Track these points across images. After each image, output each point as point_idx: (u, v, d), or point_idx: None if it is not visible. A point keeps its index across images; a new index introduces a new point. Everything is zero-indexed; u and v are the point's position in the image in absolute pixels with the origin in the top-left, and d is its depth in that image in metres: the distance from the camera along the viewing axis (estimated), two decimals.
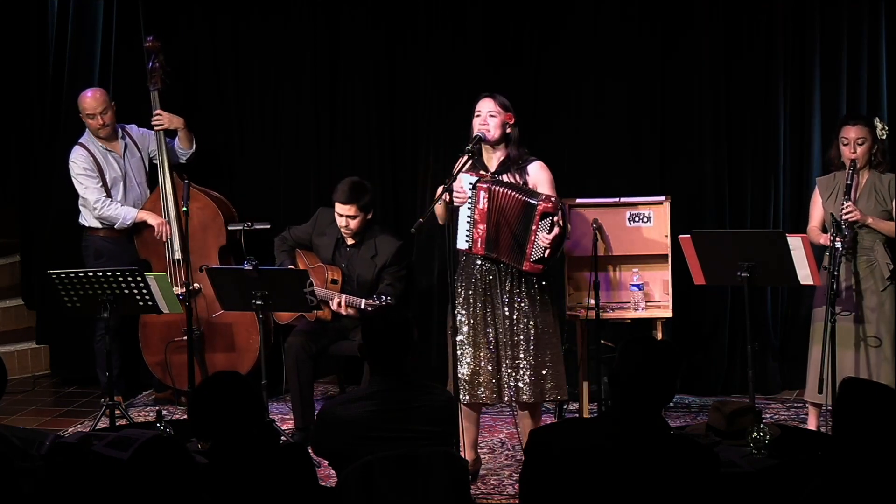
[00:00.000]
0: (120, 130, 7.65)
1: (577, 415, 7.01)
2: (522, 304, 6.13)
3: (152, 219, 7.52)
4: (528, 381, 6.13)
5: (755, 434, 4.96)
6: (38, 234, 8.32)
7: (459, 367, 6.15)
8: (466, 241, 6.08)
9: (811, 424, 6.62)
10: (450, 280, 6.01)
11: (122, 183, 7.60)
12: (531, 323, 6.13)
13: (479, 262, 6.17)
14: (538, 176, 6.17)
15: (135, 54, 7.94)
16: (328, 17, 7.92)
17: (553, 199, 6.02)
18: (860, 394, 3.87)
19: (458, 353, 6.14)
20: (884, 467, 3.71)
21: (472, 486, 6.04)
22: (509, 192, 6.05)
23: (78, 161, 7.54)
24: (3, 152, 8.80)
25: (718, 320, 7.65)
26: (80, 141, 7.60)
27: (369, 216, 7.02)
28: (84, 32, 8.04)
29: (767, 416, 7.03)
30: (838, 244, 6.26)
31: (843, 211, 6.35)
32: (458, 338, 6.13)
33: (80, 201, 7.60)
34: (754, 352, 6.37)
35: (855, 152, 6.45)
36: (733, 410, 5.14)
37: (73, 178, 7.57)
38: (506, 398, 6.21)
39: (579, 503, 3.93)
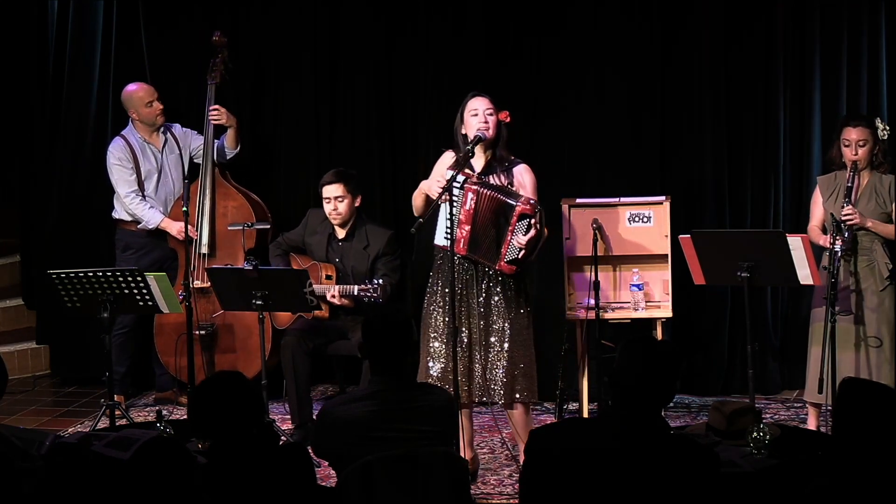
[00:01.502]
0: (162, 126, 7.69)
1: (577, 415, 7.01)
2: (498, 304, 6.14)
3: (173, 229, 7.54)
4: (500, 381, 6.14)
5: (755, 434, 4.96)
6: (38, 234, 8.32)
7: (431, 365, 6.16)
8: (446, 239, 6.01)
9: (811, 424, 6.62)
10: (449, 280, 6.01)
11: (156, 176, 7.65)
12: (506, 324, 6.14)
13: (456, 260, 6.16)
14: (523, 178, 6.19)
15: (135, 54, 7.94)
16: (328, 13, 7.92)
17: (532, 201, 6.01)
18: (860, 394, 3.87)
19: (430, 351, 6.15)
20: (884, 467, 3.71)
21: (471, 486, 6.04)
22: (494, 194, 6.04)
23: (114, 151, 7.62)
24: (3, 152, 8.81)
25: (718, 320, 7.65)
26: (122, 133, 7.67)
27: (357, 203, 7.06)
28: (84, 32, 8.05)
29: (767, 416, 7.03)
30: (838, 245, 6.26)
31: (844, 215, 6.34)
32: (431, 334, 6.16)
33: (115, 195, 7.64)
34: (754, 352, 6.37)
35: (857, 154, 6.44)
36: (733, 410, 5.13)
37: (107, 169, 7.62)
38: (476, 398, 6.21)
39: (580, 503, 3.93)
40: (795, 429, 6.17)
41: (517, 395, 6.19)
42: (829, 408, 6.12)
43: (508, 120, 6.18)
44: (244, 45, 8.05)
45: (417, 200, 6.22)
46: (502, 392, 6.16)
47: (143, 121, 7.62)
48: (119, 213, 7.69)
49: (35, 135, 8.30)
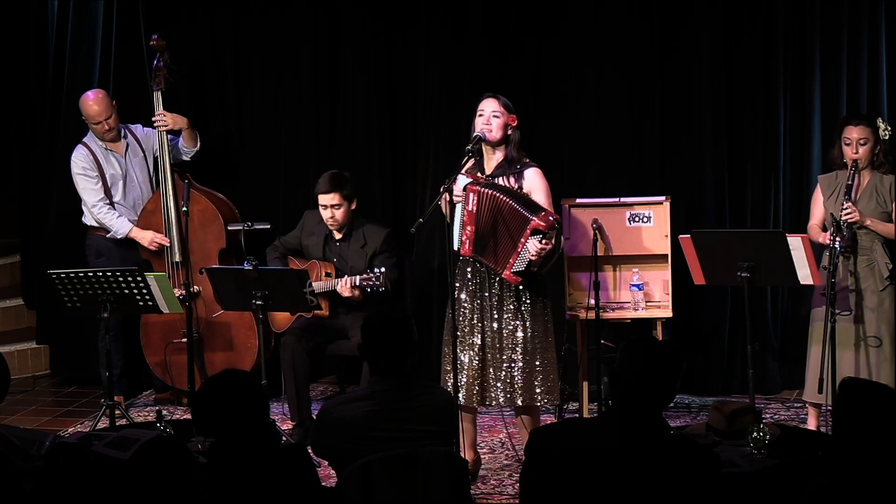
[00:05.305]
0: (123, 130, 7.64)
1: (577, 415, 7.01)
2: (511, 308, 6.13)
3: (143, 239, 7.50)
4: (518, 384, 6.13)
5: (755, 434, 4.96)
6: (38, 234, 8.32)
7: (445, 368, 6.16)
8: (457, 243, 6.09)
9: (811, 424, 6.62)
10: (449, 280, 6.01)
11: (121, 182, 7.59)
12: (522, 326, 6.13)
13: (470, 263, 6.17)
14: (533, 182, 6.15)
15: (135, 54, 7.94)
16: (328, 13, 7.92)
17: (551, 217, 5.98)
18: (860, 394, 3.87)
19: (444, 354, 6.15)
20: (884, 467, 3.71)
21: (472, 486, 6.04)
22: (503, 196, 6.01)
23: (77, 161, 7.55)
24: (3, 152, 8.80)
25: (718, 320, 7.64)
26: (83, 140, 7.61)
27: (353, 206, 7.07)
28: (84, 32, 8.04)
29: (767, 416, 7.03)
30: (837, 244, 6.26)
31: (843, 212, 6.35)
32: (445, 338, 6.16)
33: (82, 201, 7.60)
34: (754, 352, 6.37)
35: (857, 153, 6.44)
36: (733, 410, 5.14)
37: (72, 179, 7.57)
38: (489, 402, 6.21)
39: (580, 503, 3.93)
40: (795, 429, 6.17)
41: (537, 398, 6.18)
42: (829, 408, 6.12)
43: (515, 123, 6.17)
44: (244, 44, 8.05)
45: (444, 207, 6.19)
46: (522, 394, 6.14)
47: (92, 132, 7.59)
48: (88, 220, 7.63)
49: (35, 135, 8.30)
